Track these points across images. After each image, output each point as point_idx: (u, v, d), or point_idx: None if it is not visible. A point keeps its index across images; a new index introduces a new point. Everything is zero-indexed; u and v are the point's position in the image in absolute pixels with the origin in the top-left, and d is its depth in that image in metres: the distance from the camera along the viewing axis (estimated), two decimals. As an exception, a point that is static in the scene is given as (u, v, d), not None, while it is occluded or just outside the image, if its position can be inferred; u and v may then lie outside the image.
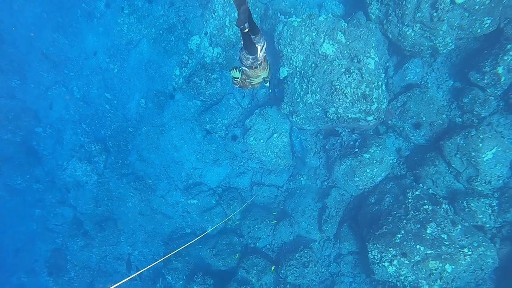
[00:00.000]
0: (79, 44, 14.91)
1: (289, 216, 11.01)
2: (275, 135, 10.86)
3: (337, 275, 10.39)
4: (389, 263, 7.97)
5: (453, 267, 7.62)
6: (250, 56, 4.47)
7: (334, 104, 8.96)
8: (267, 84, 5.80)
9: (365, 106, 8.78)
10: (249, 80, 5.19)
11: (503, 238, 8.31)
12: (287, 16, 10.39)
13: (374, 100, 8.71)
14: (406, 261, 7.81)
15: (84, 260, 14.60)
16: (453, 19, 8.07)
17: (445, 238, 7.81)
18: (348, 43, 8.92)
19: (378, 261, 8.17)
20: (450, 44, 8.50)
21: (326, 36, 8.99)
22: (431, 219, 8.03)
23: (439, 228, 7.92)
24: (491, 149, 8.06)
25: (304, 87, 9.42)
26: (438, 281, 7.68)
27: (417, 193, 8.71)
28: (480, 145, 8.07)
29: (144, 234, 13.58)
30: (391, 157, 9.87)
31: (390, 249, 7.99)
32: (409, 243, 7.85)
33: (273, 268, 10.38)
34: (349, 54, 8.88)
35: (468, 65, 8.88)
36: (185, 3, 12.30)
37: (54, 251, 15.45)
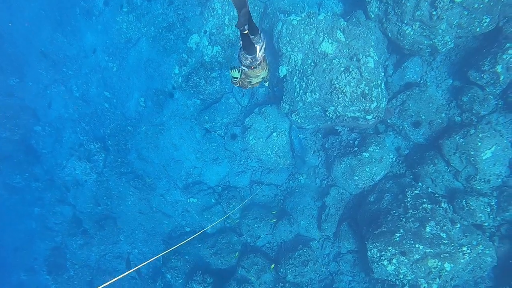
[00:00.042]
0: (78, 42, 14.88)
1: (288, 215, 11.02)
2: (274, 134, 10.86)
3: (337, 273, 10.41)
4: (388, 262, 7.99)
5: (452, 265, 7.65)
6: (248, 56, 4.48)
7: (334, 103, 8.96)
8: (267, 84, 5.81)
9: (364, 105, 8.77)
10: (248, 80, 5.20)
11: (501, 237, 8.32)
12: (286, 15, 10.37)
13: (373, 99, 8.71)
14: (405, 260, 7.83)
15: (84, 258, 14.63)
16: (452, 18, 8.06)
17: (444, 236, 7.83)
18: (347, 41, 8.91)
19: (377, 259, 8.19)
20: (449, 42, 8.50)
21: (326, 35, 8.97)
22: (430, 218, 8.05)
23: (438, 226, 7.94)
24: (490, 148, 8.06)
25: (304, 85, 9.41)
26: (437, 279, 7.71)
27: (416, 192, 8.72)
28: (479, 143, 8.08)
29: (144, 232, 13.60)
30: (391, 156, 9.89)
31: (389, 248, 8.01)
32: (408, 242, 7.87)
33: (272, 266, 10.40)
34: (349, 52, 8.87)
35: (467, 64, 8.88)
36: (184, 2, 12.27)
37: (54, 249, 15.48)
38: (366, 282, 9.95)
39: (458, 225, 8.13)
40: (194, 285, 10.86)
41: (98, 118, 14.60)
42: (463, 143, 8.28)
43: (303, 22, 9.23)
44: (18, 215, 16.32)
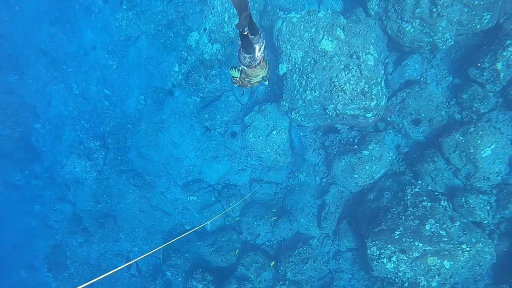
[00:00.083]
0: (77, 39, 14.83)
1: (288, 213, 11.03)
2: (274, 132, 10.85)
3: (336, 271, 10.43)
4: (387, 260, 8.00)
5: (451, 263, 7.66)
6: (247, 55, 4.50)
7: (333, 101, 8.95)
8: (266, 83, 5.83)
9: (364, 103, 8.76)
10: (248, 79, 5.21)
11: (501, 234, 8.34)
12: (286, 12, 10.34)
13: (373, 96, 8.70)
14: (405, 258, 7.84)
15: (84, 256, 14.66)
16: (452, 15, 8.03)
17: (444, 234, 7.84)
18: (347, 39, 8.89)
19: (377, 257, 8.20)
20: (450, 40, 8.47)
21: (325, 32, 8.95)
22: (430, 216, 8.05)
23: (437, 224, 7.94)
24: (490, 146, 8.05)
25: (303, 83, 9.39)
26: (437, 277, 7.73)
27: (416, 189, 8.72)
28: (479, 141, 8.07)
29: (144, 230, 13.61)
30: (390, 154, 9.88)
31: (388, 246, 8.02)
32: (408, 240, 7.88)
33: (272, 263, 10.41)
34: (348, 50, 8.84)
35: (467, 61, 8.85)
36: (184, -1, 12.25)
37: (54, 247, 15.51)
38: (365, 280, 9.97)
39: (458, 223, 8.14)
40: (194, 283, 10.88)
41: (98, 116, 14.58)
42: (463, 141, 8.27)
43: (303, 19, 9.21)
44: (18, 212, 16.34)
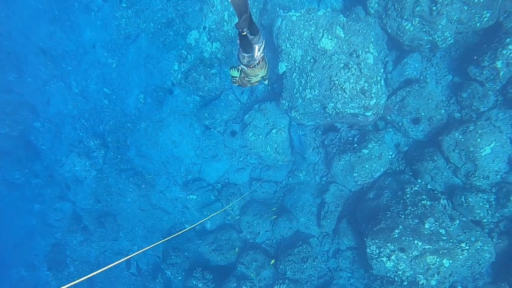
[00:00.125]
0: (76, 38, 14.78)
1: (288, 211, 11.03)
2: (274, 131, 10.84)
3: (336, 270, 10.44)
4: (387, 258, 8.00)
5: (451, 261, 7.66)
6: (245, 55, 4.51)
7: (333, 100, 8.94)
8: (266, 82, 5.84)
9: (363, 102, 8.75)
10: (247, 79, 5.22)
11: (500, 233, 8.36)
12: (285, 11, 10.33)
13: (372, 95, 8.69)
14: (404, 256, 7.84)
15: (84, 255, 14.67)
16: (452, 13, 8.02)
17: (443, 233, 7.84)
18: (347, 37, 8.87)
19: (376, 256, 8.20)
20: (449, 38, 8.46)
21: (325, 31, 8.93)
22: (429, 214, 8.06)
23: (437, 223, 7.95)
24: (489, 144, 8.06)
25: (303, 82, 9.38)
26: (436, 275, 7.73)
27: (415, 188, 8.72)
28: (479, 140, 8.07)
29: (144, 229, 13.62)
30: (390, 153, 9.88)
31: (388, 244, 8.02)
32: (407, 238, 7.88)
33: (272, 261, 10.42)
34: (348, 49, 8.82)
35: (467, 60, 8.84)
36: (184, -3, 12.21)
37: (54, 246, 15.51)
38: (365, 278, 9.99)
39: (457, 222, 8.15)
40: (194, 282, 10.89)
41: (97, 114, 14.56)
42: (463, 140, 8.27)
43: (302, 18, 9.19)
44: (18, 211, 16.32)
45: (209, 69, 11.62)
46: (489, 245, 8.04)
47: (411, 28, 8.61)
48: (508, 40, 7.87)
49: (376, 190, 9.55)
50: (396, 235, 7.99)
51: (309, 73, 9.11)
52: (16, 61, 15.92)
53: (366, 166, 9.49)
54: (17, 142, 15.99)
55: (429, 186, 9.08)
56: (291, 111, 10.13)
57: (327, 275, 10.50)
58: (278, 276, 10.32)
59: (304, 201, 10.97)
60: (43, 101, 15.71)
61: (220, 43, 11.60)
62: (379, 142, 9.57)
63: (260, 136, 10.93)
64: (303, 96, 9.46)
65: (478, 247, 7.96)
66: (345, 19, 9.01)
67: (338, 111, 9.15)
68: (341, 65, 8.65)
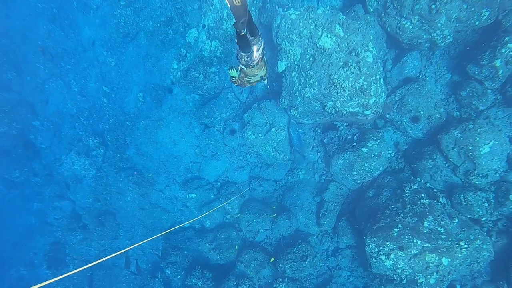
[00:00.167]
0: (75, 36, 14.76)
1: (287, 210, 11.03)
2: (273, 129, 10.84)
3: (335, 268, 10.45)
4: (386, 257, 8.01)
5: (450, 260, 7.68)
6: (244, 54, 4.52)
7: (332, 98, 8.93)
8: (265, 82, 5.85)
9: (363, 100, 8.75)
10: (246, 79, 5.24)
11: (499, 231, 8.36)
12: (285, 9, 10.31)
13: (372, 94, 8.69)
14: (403, 255, 7.85)
15: (83, 253, 14.66)
16: (451, 11, 8.01)
17: (442, 231, 7.85)
18: (346, 36, 8.86)
19: (375, 254, 8.21)
20: (449, 37, 8.45)
21: (324, 29, 8.91)
22: (428, 213, 8.07)
23: (436, 221, 7.96)
24: (488, 143, 8.06)
25: (302, 80, 9.37)
26: (435, 274, 7.74)
27: (414, 187, 8.73)
28: (477, 138, 8.07)
29: (143, 228, 13.62)
30: (389, 151, 9.88)
31: (387, 243, 8.03)
32: (406, 237, 7.89)
33: (272, 259, 10.42)
34: (347, 47, 8.81)
35: (466, 58, 8.84)
36: (183, -5, 12.19)
37: (53, 244, 15.49)
38: (364, 277, 9.99)
39: (456, 220, 8.16)
40: (193, 280, 10.91)
41: (96, 113, 14.55)
42: (462, 138, 8.28)
43: (301, 16, 9.17)
44: (17, 210, 16.31)
45: (208, 68, 11.61)
46: (488, 243, 8.05)
47: (410, 27, 8.60)
48: (507, 38, 7.86)
49: (376, 188, 9.56)
50: (395, 234, 8.00)
51: (309, 72, 9.11)
52: (14, 59, 15.90)
53: (366, 165, 9.50)
54: (16, 140, 15.98)
55: (428, 185, 9.09)
56: (290, 109, 10.12)
57: (326, 273, 10.52)
58: (277, 275, 10.34)
59: (303, 200, 10.97)
60: (42, 99, 15.70)
61: (220, 42, 11.59)
62: (379, 140, 9.57)
63: (260, 135, 10.93)
64: (302, 94, 9.45)
65: (477, 246, 7.96)
66: (344, 17, 8.99)
67: (337, 109, 9.15)
68: (341, 64, 8.65)
